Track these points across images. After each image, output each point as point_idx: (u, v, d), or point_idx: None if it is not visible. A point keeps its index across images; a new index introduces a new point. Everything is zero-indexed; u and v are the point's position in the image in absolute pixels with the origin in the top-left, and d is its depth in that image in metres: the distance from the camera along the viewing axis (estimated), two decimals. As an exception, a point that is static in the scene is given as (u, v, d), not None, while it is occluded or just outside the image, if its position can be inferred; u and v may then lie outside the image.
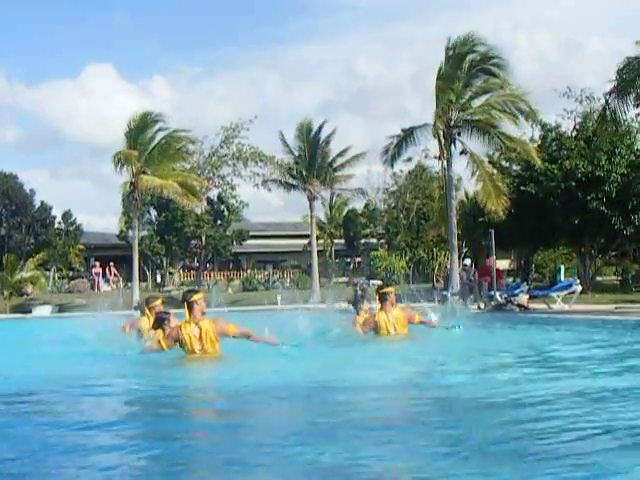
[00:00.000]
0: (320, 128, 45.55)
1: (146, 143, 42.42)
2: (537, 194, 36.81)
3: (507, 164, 42.15)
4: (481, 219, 38.46)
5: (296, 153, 45.95)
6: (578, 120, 40.66)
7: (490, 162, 41.21)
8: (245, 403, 8.58)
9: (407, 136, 39.84)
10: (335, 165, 45.72)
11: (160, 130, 43.42)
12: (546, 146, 39.10)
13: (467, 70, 37.83)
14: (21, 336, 23.44)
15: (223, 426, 7.31)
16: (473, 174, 37.92)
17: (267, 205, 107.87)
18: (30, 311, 39.92)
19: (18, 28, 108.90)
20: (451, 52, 37.73)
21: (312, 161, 44.87)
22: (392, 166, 42.03)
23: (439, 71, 37.88)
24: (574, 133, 39.81)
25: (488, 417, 7.31)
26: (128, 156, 40.99)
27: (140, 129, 42.46)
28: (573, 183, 36.25)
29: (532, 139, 40.51)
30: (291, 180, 46.87)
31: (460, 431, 6.65)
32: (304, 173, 45.17)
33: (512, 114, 37.36)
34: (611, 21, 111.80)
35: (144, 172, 41.83)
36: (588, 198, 35.89)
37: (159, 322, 12.84)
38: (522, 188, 37.40)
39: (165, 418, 7.87)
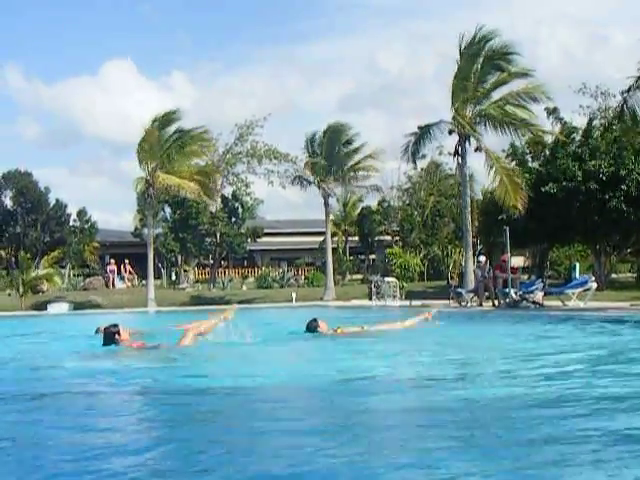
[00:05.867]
0: (342, 132, 45.31)
1: (164, 141, 42.44)
2: (556, 194, 36.56)
3: (527, 158, 41.95)
4: (500, 217, 38.34)
5: (316, 151, 45.67)
6: (602, 119, 40.42)
7: (513, 152, 41.08)
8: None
9: (424, 133, 39.82)
10: (351, 163, 45.53)
11: (179, 131, 43.47)
12: (568, 143, 38.78)
13: (481, 66, 37.73)
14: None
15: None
16: (491, 168, 37.76)
17: (286, 202, 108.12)
18: (45, 309, 40.02)
19: (36, 26, 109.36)
20: (465, 49, 37.67)
21: (330, 160, 44.65)
22: (414, 163, 42.13)
23: (457, 71, 37.82)
24: (597, 133, 39.43)
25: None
26: (152, 143, 40.98)
27: (160, 128, 42.48)
28: (594, 184, 35.93)
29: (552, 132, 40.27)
30: (306, 178, 46.71)
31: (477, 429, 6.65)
32: (320, 171, 44.99)
33: (528, 108, 37.30)
34: (635, 13, 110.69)
35: (160, 168, 41.87)
36: (607, 197, 35.66)
37: (110, 338, 13.14)
38: (542, 189, 37.10)
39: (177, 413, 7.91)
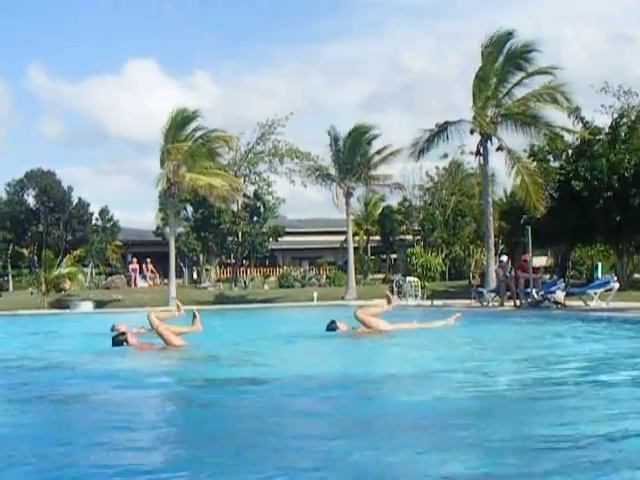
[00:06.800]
0: (364, 132, 45.24)
1: (183, 141, 42.55)
2: (582, 191, 36.43)
3: (549, 157, 41.88)
4: (522, 217, 38.23)
5: (338, 149, 45.57)
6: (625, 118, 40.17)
7: (532, 154, 41.00)
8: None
9: (440, 131, 39.77)
10: (372, 162, 45.46)
11: (197, 129, 43.61)
12: (594, 144, 38.64)
13: (502, 65, 37.73)
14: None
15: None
16: (512, 168, 37.72)
17: (308, 201, 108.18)
18: (68, 307, 40.20)
19: (58, 24, 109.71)
20: (486, 49, 37.71)
21: (350, 160, 44.61)
22: (417, 160, 42.04)
23: (478, 71, 37.85)
24: (622, 132, 39.19)
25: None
26: (173, 150, 41.11)
27: (178, 127, 42.62)
28: (617, 182, 35.83)
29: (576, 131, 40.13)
30: (327, 177, 46.65)
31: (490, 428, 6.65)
32: (341, 170, 44.99)
33: (551, 102, 37.31)
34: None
35: (178, 167, 41.98)
36: (631, 193, 35.54)
37: (118, 345, 13.41)
38: (568, 185, 37.00)
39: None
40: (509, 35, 37.62)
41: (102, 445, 6.11)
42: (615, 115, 39.95)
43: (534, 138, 38.85)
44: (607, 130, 39.29)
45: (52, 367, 12.29)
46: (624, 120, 39.31)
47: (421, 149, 40.08)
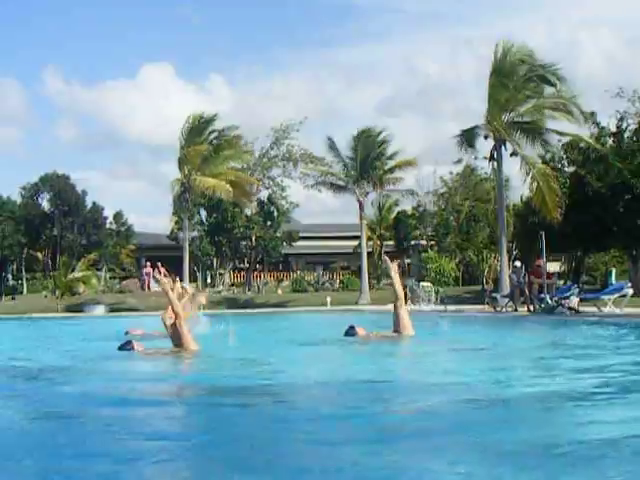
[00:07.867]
0: (377, 135, 45.31)
1: (200, 144, 42.63)
2: (599, 194, 36.46)
3: (560, 165, 41.90)
4: (534, 221, 38.23)
5: (350, 154, 45.63)
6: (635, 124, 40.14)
7: (544, 162, 41.05)
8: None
9: (469, 137, 39.99)
10: (386, 168, 45.50)
11: (213, 131, 43.72)
12: (600, 149, 38.69)
13: (520, 76, 37.85)
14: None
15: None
16: (527, 174, 37.74)
17: (324, 206, 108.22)
18: (82, 310, 40.29)
19: (74, 29, 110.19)
20: (504, 59, 37.86)
21: (364, 164, 44.67)
22: (473, 147, 41.93)
23: (490, 76, 37.96)
24: (628, 135, 39.25)
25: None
26: (193, 153, 41.13)
27: (194, 131, 42.69)
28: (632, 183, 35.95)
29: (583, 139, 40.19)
30: (341, 182, 46.72)
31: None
32: (354, 175, 45.04)
33: (565, 113, 37.40)
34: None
35: (197, 171, 42.07)
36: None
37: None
38: (582, 184, 37.10)
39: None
40: (526, 47, 37.95)
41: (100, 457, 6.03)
42: (620, 116, 39.99)
43: (545, 146, 38.99)
44: (612, 135, 39.38)
45: (55, 372, 12.26)
46: (634, 125, 39.33)
47: (469, 143, 40.39)
